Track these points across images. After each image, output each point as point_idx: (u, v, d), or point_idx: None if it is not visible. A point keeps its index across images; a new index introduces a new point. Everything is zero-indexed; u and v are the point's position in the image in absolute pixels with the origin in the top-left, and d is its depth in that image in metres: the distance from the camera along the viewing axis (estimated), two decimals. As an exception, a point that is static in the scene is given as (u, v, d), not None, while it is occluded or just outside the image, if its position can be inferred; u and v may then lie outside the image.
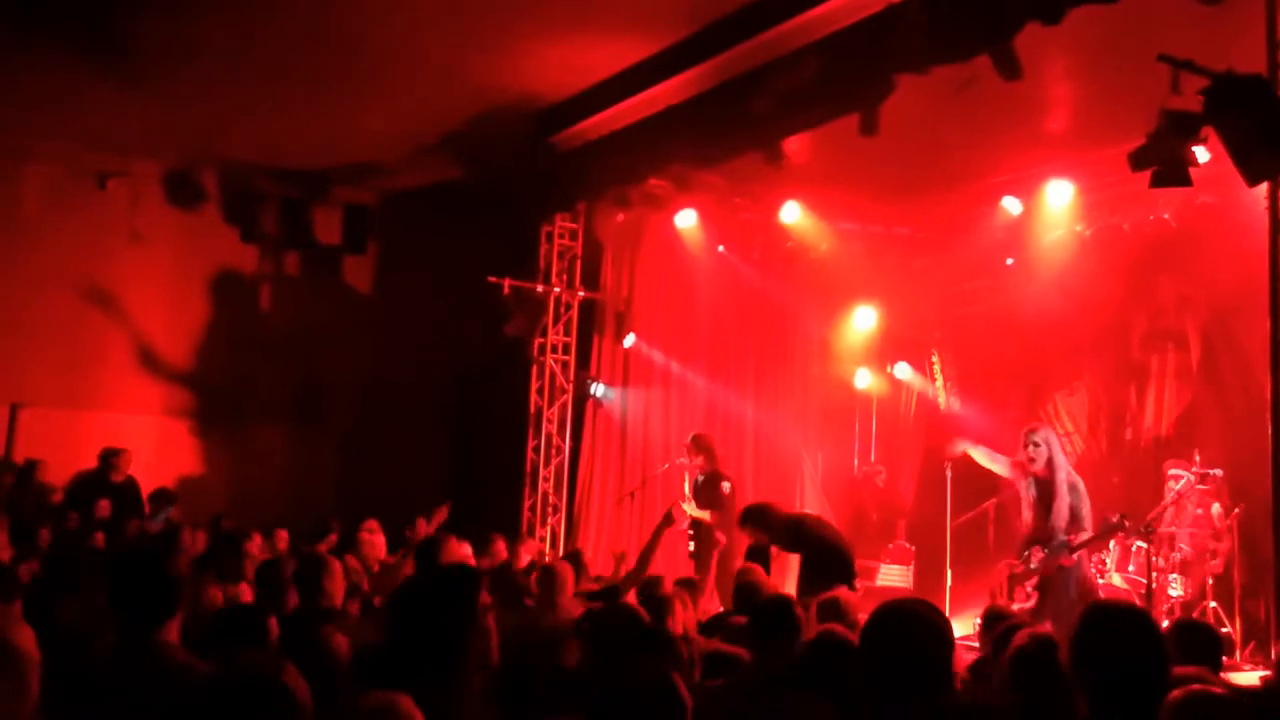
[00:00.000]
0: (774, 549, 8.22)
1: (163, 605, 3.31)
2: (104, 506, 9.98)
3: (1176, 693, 2.66)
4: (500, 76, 9.10)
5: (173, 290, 12.01)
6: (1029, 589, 7.95)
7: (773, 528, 8.02)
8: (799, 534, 7.99)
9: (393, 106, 9.90)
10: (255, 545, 8.12)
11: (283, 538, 8.89)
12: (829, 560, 7.84)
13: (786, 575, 8.76)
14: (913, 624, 2.85)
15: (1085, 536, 7.91)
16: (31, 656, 2.40)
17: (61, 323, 11.33)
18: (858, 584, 8.38)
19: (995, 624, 5.16)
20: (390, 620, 3.06)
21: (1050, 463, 7.95)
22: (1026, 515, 8.14)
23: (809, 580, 7.81)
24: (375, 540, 8.86)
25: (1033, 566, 7.94)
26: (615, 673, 3.02)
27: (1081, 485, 8.04)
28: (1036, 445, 7.98)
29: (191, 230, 12.07)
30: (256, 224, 12.32)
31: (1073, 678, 2.76)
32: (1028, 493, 8.12)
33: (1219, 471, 9.08)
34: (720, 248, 11.83)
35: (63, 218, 11.33)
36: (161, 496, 10.40)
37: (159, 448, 11.58)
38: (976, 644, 6.32)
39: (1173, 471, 9.31)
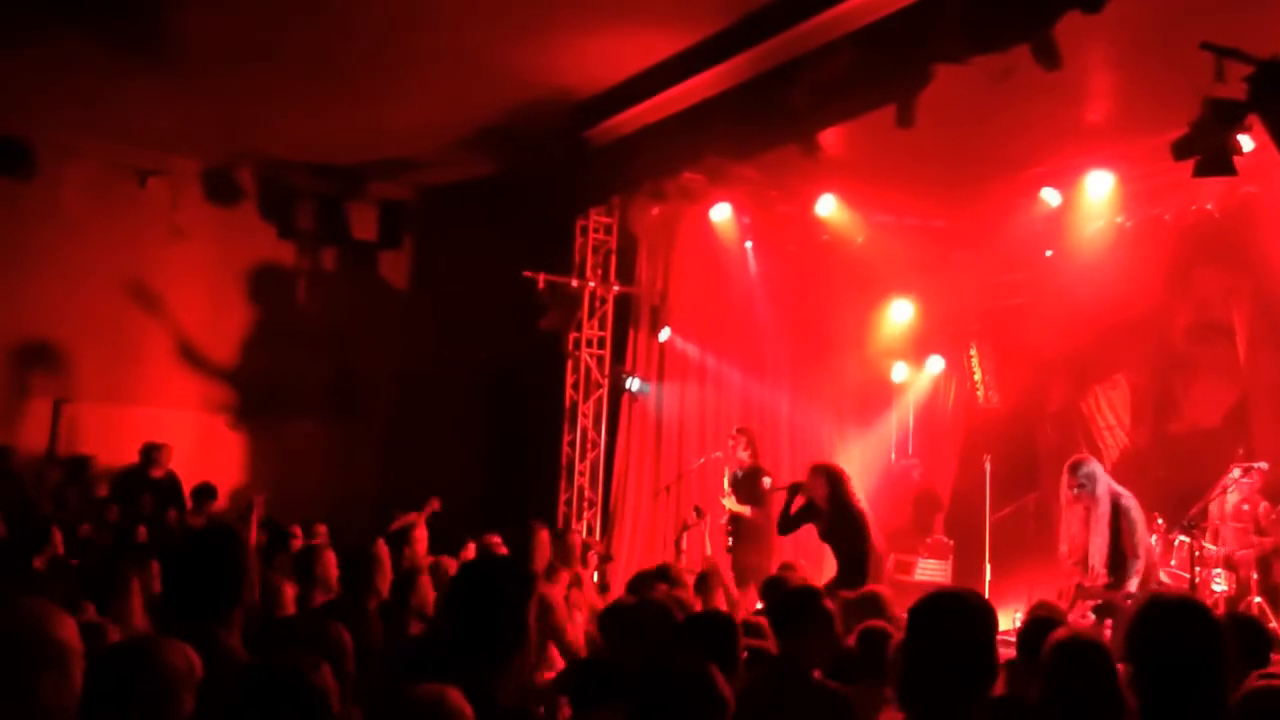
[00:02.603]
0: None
1: (222, 599, 3.25)
2: (146, 502, 10.08)
3: (1250, 684, 2.62)
4: (535, 71, 9.10)
5: (211, 286, 12.12)
6: (1088, 611, 7.87)
7: (837, 495, 8.02)
8: (849, 515, 7.98)
9: (428, 102, 9.93)
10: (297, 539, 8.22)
11: (321, 532, 8.94)
12: (860, 564, 7.87)
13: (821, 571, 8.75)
14: (959, 610, 2.83)
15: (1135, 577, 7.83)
16: (75, 648, 2.42)
17: (103, 319, 11.45)
18: (897, 578, 8.40)
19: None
20: (444, 611, 3.05)
21: (1093, 497, 7.86)
22: (1076, 533, 8.03)
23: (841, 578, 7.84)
24: (419, 535, 8.91)
25: (1095, 591, 7.88)
26: (654, 667, 3.00)
27: (1134, 510, 7.93)
28: (1082, 486, 7.88)
29: (230, 227, 12.17)
30: (294, 220, 12.41)
31: (1128, 671, 2.73)
32: (1077, 513, 8.04)
33: (1264, 465, 8.95)
34: (748, 244, 11.78)
35: (103, 215, 11.45)
36: (203, 491, 10.51)
37: (199, 442, 11.69)
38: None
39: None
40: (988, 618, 2.83)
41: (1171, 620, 2.72)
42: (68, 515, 9.39)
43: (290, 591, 6.36)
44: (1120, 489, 8.05)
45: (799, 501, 8.38)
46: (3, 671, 2.28)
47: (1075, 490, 7.84)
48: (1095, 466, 8.11)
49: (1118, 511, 7.85)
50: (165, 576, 3.59)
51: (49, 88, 9.86)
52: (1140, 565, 7.79)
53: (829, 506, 8.14)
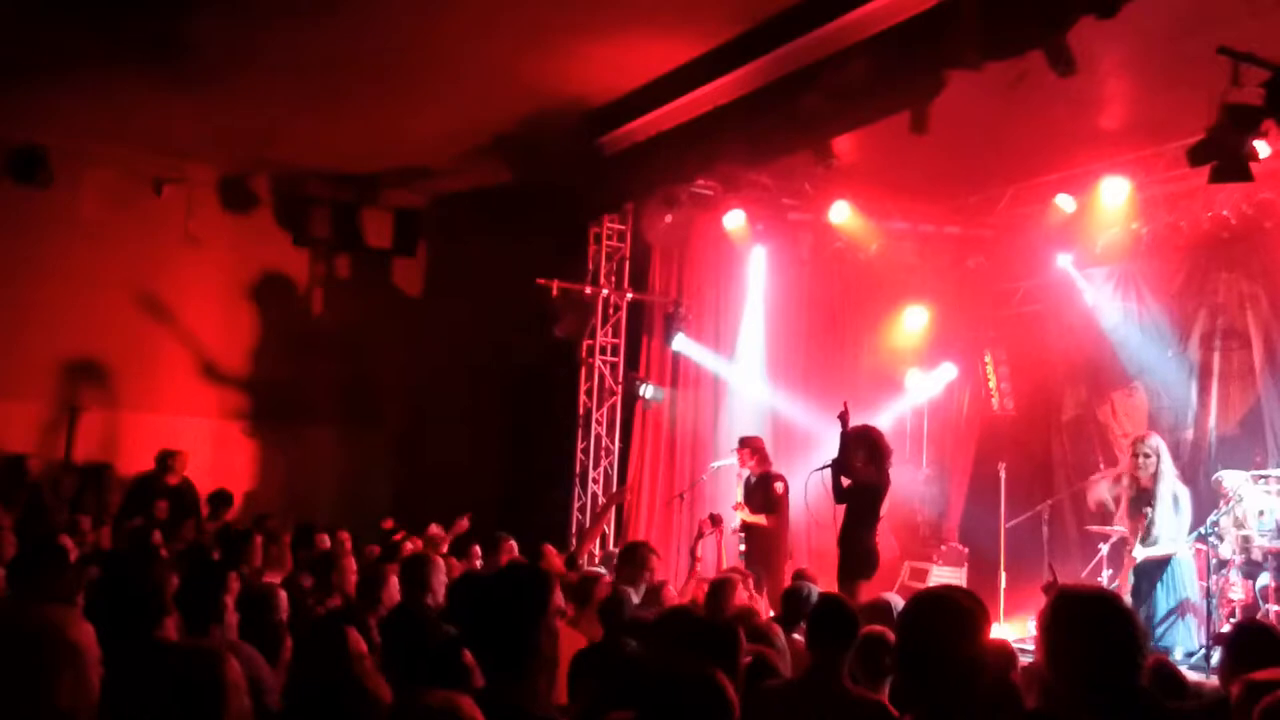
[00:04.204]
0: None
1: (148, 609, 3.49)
2: (162, 508, 10.11)
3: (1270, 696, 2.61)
4: (549, 79, 9.12)
5: (227, 294, 12.16)
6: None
7: (876, 456, 8.08)
8: (873, 485, 8.06)
9: (442, 110, 9.96)
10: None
11: (345, 539, 8.93)
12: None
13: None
14: (940, 608, 2.83)
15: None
16: (92, 653, 2.44)
17: (119, 326, 11.50)
18: (912, 586, 8.39)
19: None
20: (459, 618, 3.07)
21: (1156, 473, 7.99)
22: (1124, 520, 8.19)
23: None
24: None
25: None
26: (660, 670, 3.01)
27: (1185, 498, 8.04)
28: (1147, 455, 8.17)
29: (245, 234, 12.22)
30: (309, 228, 12.47)
31: (1046, 668, 2.73)
32: (1126, 494, 8.17)
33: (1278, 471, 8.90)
34: (761, 250, 11.77)
35: (120, 222, 11.50)
36: (219, 498, 10.54)
37: (214, 449, 11.72)
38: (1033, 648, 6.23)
39: (1220, 474, 9.20)
40: (975, 616, 2.82)
41: (1082, 615, 2.71)
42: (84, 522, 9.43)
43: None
44: (1177, 479, 8.22)
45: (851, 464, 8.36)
46: (20, 673, 2.31)
47: (1142, 460, 8.16)
48: (1161, 442, 8.29)
49: (1172, 495, 8.00)
50: (100, 589, 3.85)
51: (66, 96, 9.91)
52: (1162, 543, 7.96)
53: (873, 465, 8.19)
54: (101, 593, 3.71)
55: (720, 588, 6.15)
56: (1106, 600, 2.82)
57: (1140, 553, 8.32)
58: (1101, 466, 10.82)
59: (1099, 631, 2.67)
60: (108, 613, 3.45)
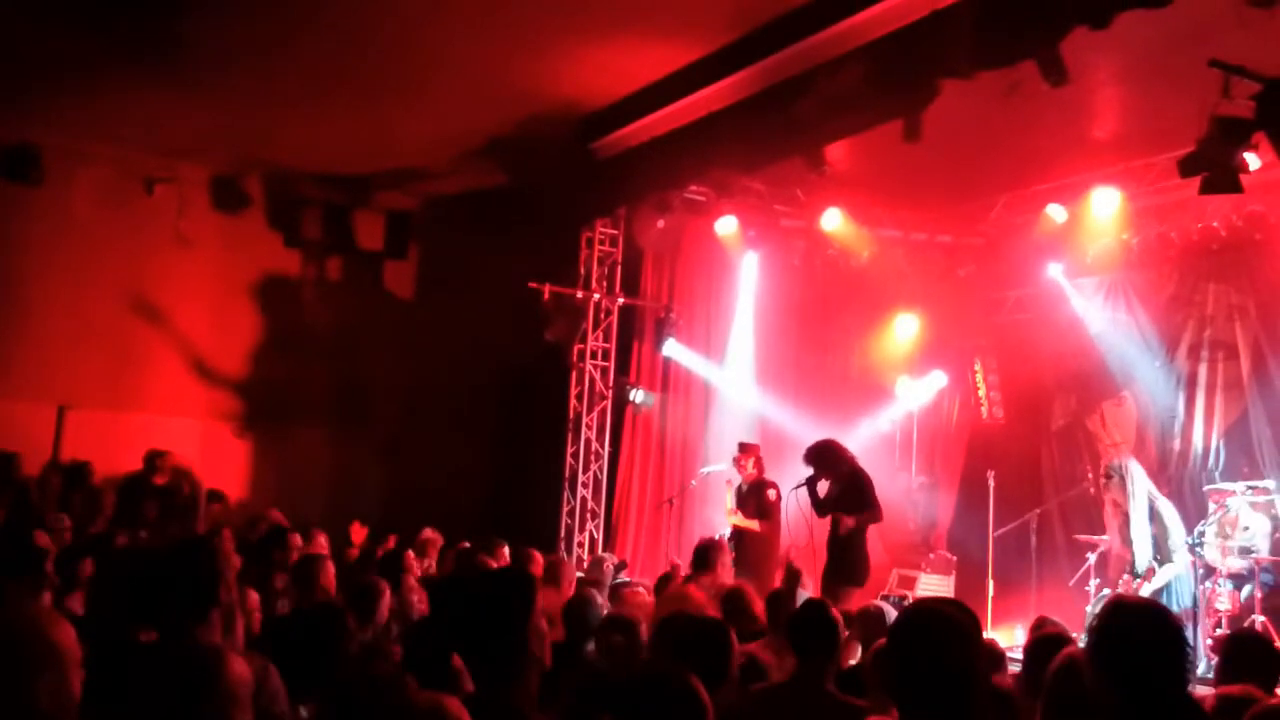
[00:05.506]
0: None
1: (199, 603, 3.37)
2: (149, 508, 10.06)
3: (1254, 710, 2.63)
4: (543, 83, 9.13)
5: (217, 294, 12.13)
6: None
7: (838, 470, 8.18)
8: (859, 491, 8.08)
9: (436, 113, 9.95)
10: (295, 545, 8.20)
11: (322, 542, 8.88)
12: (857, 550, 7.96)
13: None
14: (936, 623, 2.82)
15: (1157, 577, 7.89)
16: (73, 653, 2.42)
17: (108, 325, 11.47)
18: (900, 594, 8.38)
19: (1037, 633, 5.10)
20: (447, 621, 3.07)
21: (1124, 493, 7.90)
22: (1114, 541, 8.13)
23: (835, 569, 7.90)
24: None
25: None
26: (635, 675, 3.01)
27: (1167, 515, 7.97)
28: (1108, 477, 7.98)
29: (236, 235, 12.18)
30: (300, 229, 12.43)
31: (1093, 673, 2.75)
32: (1111, 519, 8.10)
33: (1271, 483, 8.92)
34: (753, 257, 11.78)
35: (111, 222, 11.47)
36: (209, 498, 10.49)
37: (203, 450, 11.67)
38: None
39: (1209, 488, 9.21)
40: (969, 628, 2.82)
41: (1135, 625, 2.74)
42: (72, 522, 9.38)
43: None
44: (1157, 493, 8.13)
45: (824, 485, 8.42)
46: (-2, 675, 2.29)
47: (1104, 481, 7.93)
48: (1130, 463, 8.18)
49: (1151, 513, 7.93)
50: (141, 581, 3.73)
51: (59, 95, 9.89)
52: (1169, 570, 7.87)
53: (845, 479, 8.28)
54: (147, 587, 3.60)
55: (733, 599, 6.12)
56: (1159, 612, 2.87)
57: (1146, 590, 8.19)
58: (1090, 476, 10.85)
59: (1151, 642, 2.71)
60: (151, 608, 3.39)
